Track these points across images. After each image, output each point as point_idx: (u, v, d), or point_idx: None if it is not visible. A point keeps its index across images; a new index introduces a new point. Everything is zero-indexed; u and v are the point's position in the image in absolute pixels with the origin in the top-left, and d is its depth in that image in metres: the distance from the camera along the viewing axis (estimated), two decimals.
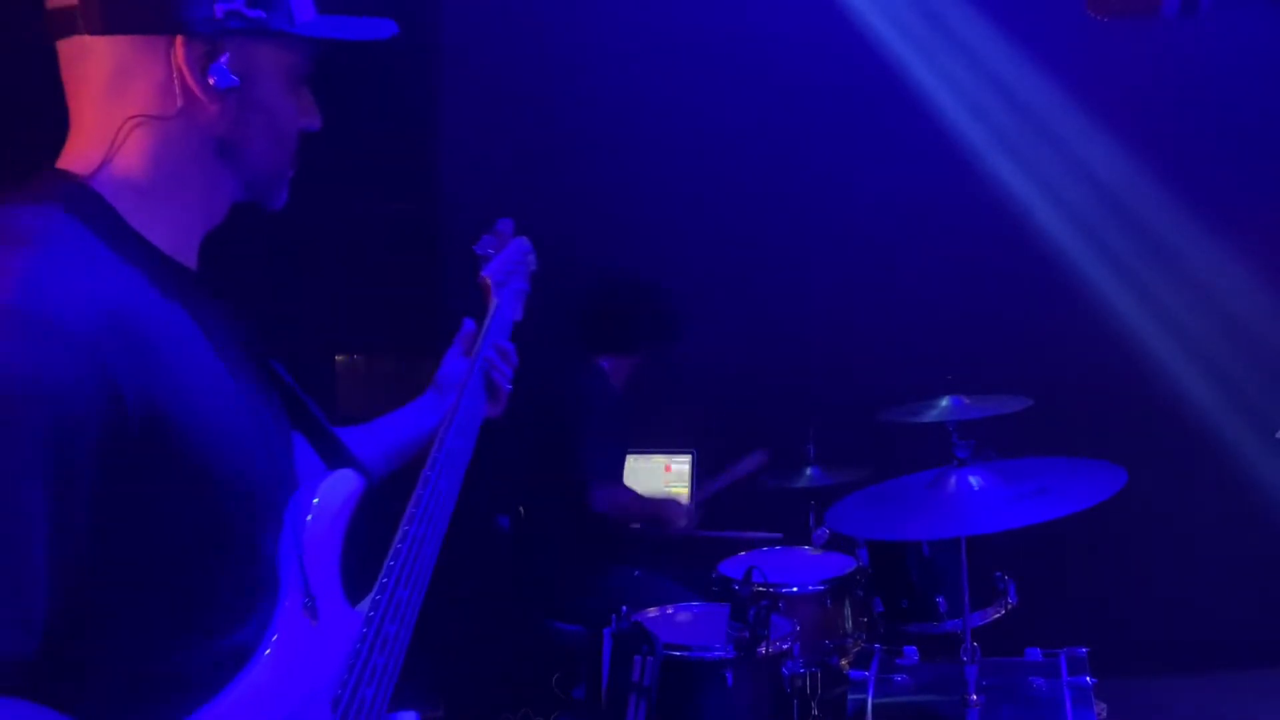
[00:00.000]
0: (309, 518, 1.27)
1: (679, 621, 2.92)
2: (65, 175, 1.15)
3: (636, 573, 3.52)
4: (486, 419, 1.77)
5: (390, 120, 3.92)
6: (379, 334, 4.55)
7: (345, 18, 1.27)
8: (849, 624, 3.12)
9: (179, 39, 1.14)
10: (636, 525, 3.73)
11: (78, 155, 1.17)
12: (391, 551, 1.38)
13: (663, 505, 3.80)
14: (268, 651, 1.18)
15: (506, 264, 1.98)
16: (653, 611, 2.95)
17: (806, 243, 4.39)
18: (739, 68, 4.39)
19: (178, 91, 1.15)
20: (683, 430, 4.27)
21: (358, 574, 1.37)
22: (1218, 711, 4.01)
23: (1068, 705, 2.49)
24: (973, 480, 2.42)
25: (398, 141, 4.10)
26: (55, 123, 1.20)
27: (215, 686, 1.12)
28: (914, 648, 2.80)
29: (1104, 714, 2.57)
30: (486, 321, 1.87)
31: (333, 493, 1.31)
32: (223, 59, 1.15)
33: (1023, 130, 4.32)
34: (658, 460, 4.22)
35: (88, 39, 1.14)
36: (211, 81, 1.15)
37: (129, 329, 1.05)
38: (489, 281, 1.93)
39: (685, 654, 2.61)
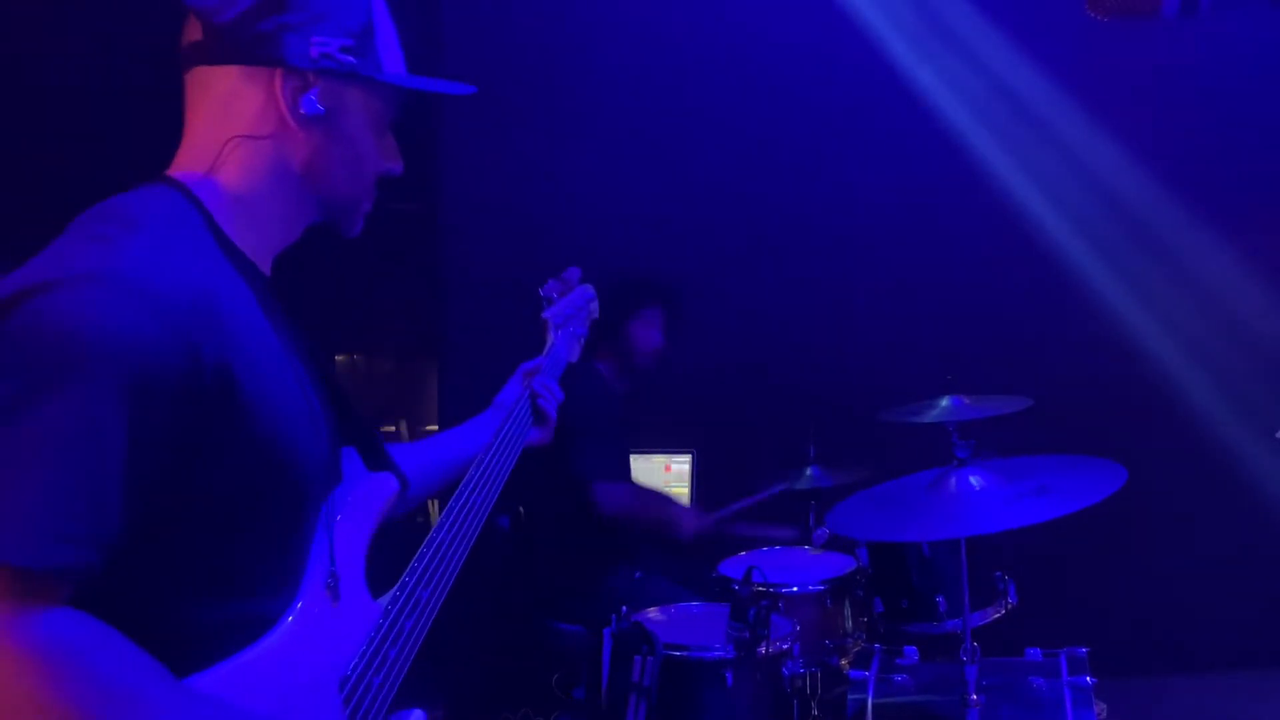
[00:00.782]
0: (339, 515, 1.39)
1: (679, 621, 2.91)
2: (173, 180, 1.32)
3: (637, 575, 3.52)
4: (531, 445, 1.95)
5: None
6: (379, 334, 4.56)
7: (431, 78, 1.46)
8: (849, 624, 3.12)
9: (278, 71, 1.33)
10: (640, 530, 3.69)
11: (184, 167, 1.34)
12: (418, 554, 1.50)
13: (670, 507, 3.66)
14: (290, 619, 1.28)
15: (568, 308, 2.16)
16: (653, 611, 2.94)
17: (806, 243, 4.39)
18: (739, 69, 4.39)
19: (273, 117, 1.34)
20: (683, 430, 4.26)
21: (389, 577, 1.46)
22: (1218, 711, 4.00)
23: (1068, 705, 2.49)
24: (973, 480, 2.41)
25: (398, 141, 4.10)
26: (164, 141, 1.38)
27: (232, 648, 1.22)
28: (914, 648, 2.80)
29: (1104, 714, 2.57)
30: (542, 357, 2.03)
31: (367, 492, 1.45)
32: (312, 92, 1.34)
33: (1023, 130, 4.32)
34: (658, 460, 4.22)
35: (206, 69, 1.34)
36: (301, 111, 1.33)
37: (213, 306, 1.20)
38: (549, 323, 2.11)
39: (685, 654, 2.60)
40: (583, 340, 2.20)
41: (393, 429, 4.63)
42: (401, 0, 1.49)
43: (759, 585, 2.73)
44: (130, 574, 1.14)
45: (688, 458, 4.22)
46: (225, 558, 1.23)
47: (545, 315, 2.11)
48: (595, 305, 2.26)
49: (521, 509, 3.80)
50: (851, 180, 4.34)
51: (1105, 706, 2.59)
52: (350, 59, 1.35)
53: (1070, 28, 4.04)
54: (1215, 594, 4.19)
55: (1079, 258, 4.34)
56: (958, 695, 2.44)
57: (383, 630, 1.40)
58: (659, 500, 3.70)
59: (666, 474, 4.24)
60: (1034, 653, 2.69)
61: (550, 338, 2.09)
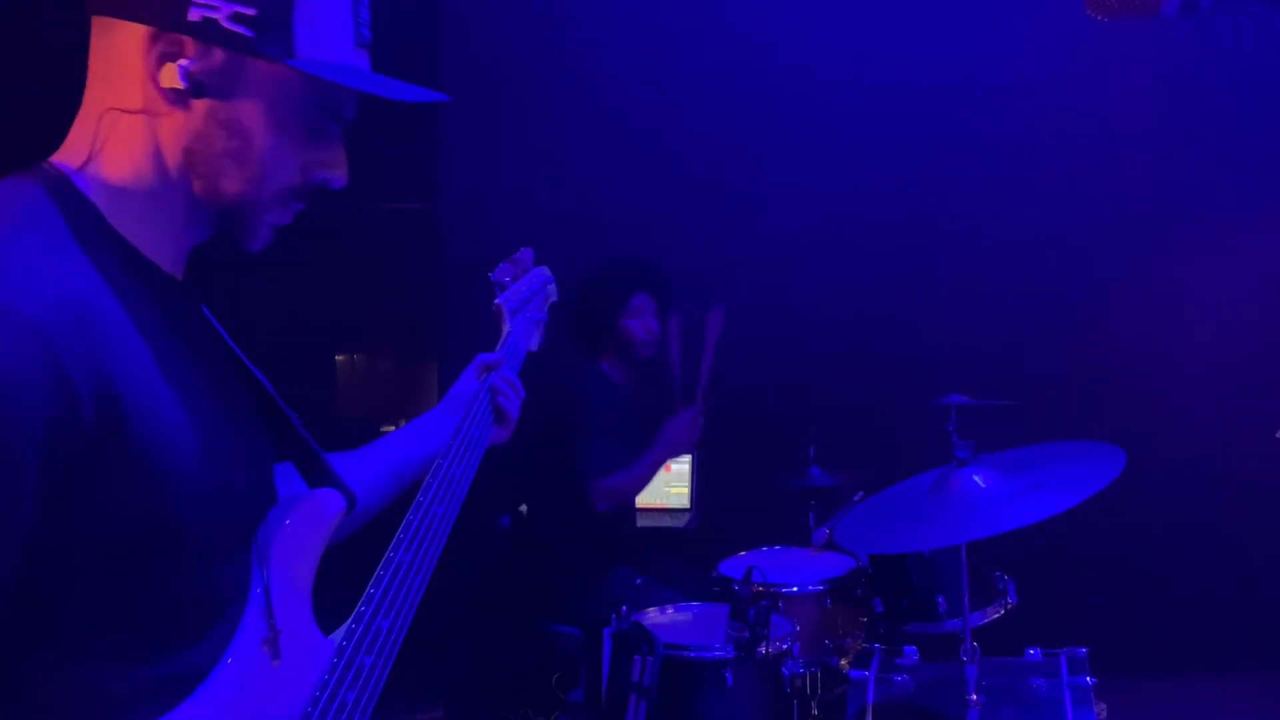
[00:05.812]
0: (277, 539, 1.20)
1: (679, 621, 2.92)
2: (53, 169, 1.11)
3: (638, 581, 3.51)
4: (493, 445, 1.73)
5: (390, 120, 3.91)
6: (379, 334, 4.56)
7: (379, 76, 1.16)
8: (849, 624, 3.12)
9: (148, 30, 1.08)
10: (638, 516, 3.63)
11: (71, 148, 1.13)
12: (375, 578, 1.29)
13: (659, 446, 3.46)
14: (220, 673, 1.11)
15: (522, 292, 1.97)
16: (653, 612, 2.95)
17: (807, 242, 4.38)
18: (740, 65, 4.39)
19: (142, 86, 1.09)
20: None
21: (345, 602, 1.29)
22: (1218, 712, 4.01)
23: (1068, 705, 2.49)
24: (975, 479, 2.41)
25: (398, 141, 4.10)
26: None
27: (156, 711, 1.05)
28: (914, 648, 2.80)
29: (1104, 714, 2.57)
30: (498, 348, 1.85)
31: (308, 514, 1.24)
32: (186, 62, 1.07)
33: (1022, 129, 4.32)
34: None
35: (99, 20, 1.11)
36: (164, 82, 1.08)
37: (88, 322, 1.00)
38: (502, 309, 1.91)
39: (685, 654, 2.60)
40: (543, 325, 2.01)
41: (392, 429, 4.63)
42: (399, 0, 1.45)
43: (759, 585, 2.73)
44: (19, 640, 0.98)
45: (688, 457, 4.21)
46: (128, 613, 1.04)
47: (498, 301, 1.91)
48: (553, 288, 2.08)
49: (522, 509, 3.80)
50: (849, 180, 4.34)
51: (1105, 706, 2.58)
52: (244, 30, 1.07)
53: (1070, 27, 4.04)
54: (1215, 594, 4.19)
55: (1078, 257, 4.34)
56: (958, 695, 2.44)
57: (338, 671, 1.19)
58: (644, 460, 3.48)
59: (666, 473, 4.23)
60: (1034, 653, 2.69)
61: (506, 326, 1.89)
